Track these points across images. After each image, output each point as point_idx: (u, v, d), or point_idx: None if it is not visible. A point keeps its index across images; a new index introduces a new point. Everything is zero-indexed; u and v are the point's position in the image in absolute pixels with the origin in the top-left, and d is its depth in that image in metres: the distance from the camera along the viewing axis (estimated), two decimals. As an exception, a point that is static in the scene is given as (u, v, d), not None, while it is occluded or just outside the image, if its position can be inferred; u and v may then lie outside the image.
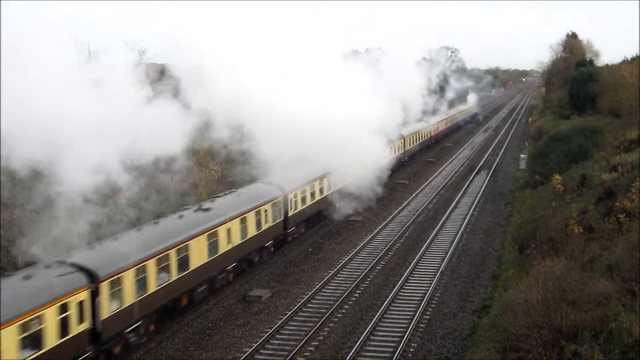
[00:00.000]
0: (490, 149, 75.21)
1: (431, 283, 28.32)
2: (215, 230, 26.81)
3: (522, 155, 61.37)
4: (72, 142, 19.88)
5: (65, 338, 18.76)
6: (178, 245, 24.10)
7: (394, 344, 22.29)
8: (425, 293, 27.07)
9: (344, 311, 25.77)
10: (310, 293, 27.44)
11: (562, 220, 27.95)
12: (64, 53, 21.29)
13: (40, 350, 17.67)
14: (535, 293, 18.79)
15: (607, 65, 79.47)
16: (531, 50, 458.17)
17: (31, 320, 17.46)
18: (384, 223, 39.87)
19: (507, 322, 18.62)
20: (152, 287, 22.56)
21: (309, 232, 37.97)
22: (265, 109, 29.06)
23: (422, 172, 59.57)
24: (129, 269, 21.34)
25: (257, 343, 22.52)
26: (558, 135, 54.50)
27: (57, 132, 19.48)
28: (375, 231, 37.86)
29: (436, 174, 58.43)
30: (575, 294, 18.16)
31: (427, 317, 24.85)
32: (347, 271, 30.79)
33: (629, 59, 75.63)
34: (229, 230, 27.82)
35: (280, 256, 33.64)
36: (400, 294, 27.45)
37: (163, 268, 23.26)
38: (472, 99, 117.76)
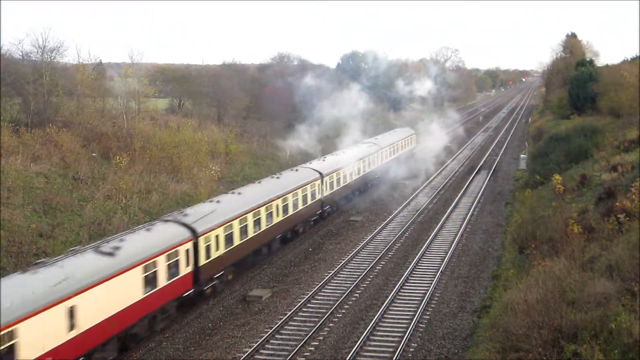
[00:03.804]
0: (490, 149, 75.22)
1: (431, 283, 28.32)
2: (362, 159, 48.27)
3: (522, 155, 61.37)
4: None
5: (311, 202, 37.68)
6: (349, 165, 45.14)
7: (394, 344, 22.30)
8: (425, 293, 27.08)
9: (344, 311, 25.78)
10: (310, 293, 27.46)
11: (562, 220, 27.95)
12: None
13: (304, 205, 36.83)
14: (535, 293, 18.79)
15: (607, 65, 79.45)
16: (531, 50, 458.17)
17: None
18: (384, 223, 39.90)
19: (507, 322, 18.63)
20: (349, 180, 44.79)
21: (309, 231, 38.27)
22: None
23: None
24: (333, 173, 41.42)
25: (257, 343, 22.53)
26: (558, 135, 54.48)
27: None
28: (375, 231, 37.89)
29: (436, 173, 58.45)
30: (575, 294, 18.16)
31: (427, 317, 24.85)
32: (347, 271, 30.81)
33: (629, 59, 75.66)
34: (364, 161, 48.70)
35: (280, 256, 33.67)
36: (400, 294, 27.47)
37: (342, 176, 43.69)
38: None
